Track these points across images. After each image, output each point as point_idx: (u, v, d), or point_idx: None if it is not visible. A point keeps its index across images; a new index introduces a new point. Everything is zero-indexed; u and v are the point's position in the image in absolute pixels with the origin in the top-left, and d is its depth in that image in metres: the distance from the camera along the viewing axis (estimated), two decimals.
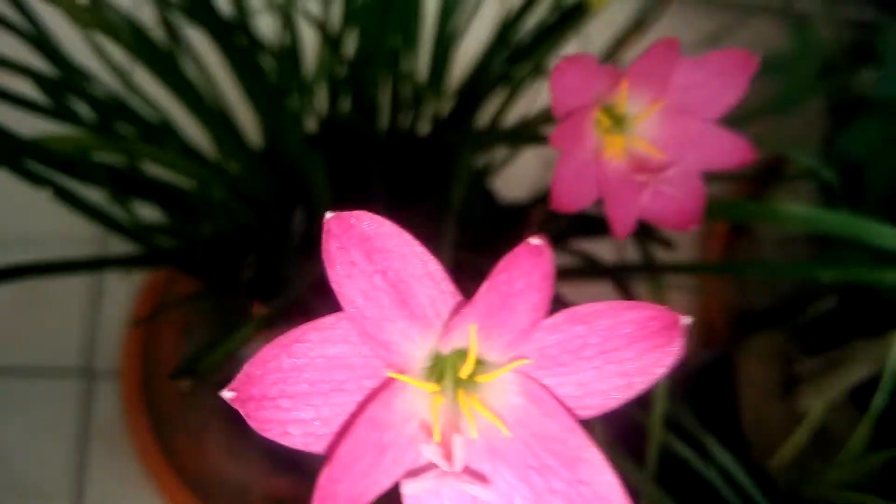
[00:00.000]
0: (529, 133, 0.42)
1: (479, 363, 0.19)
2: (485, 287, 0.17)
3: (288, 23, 0.50)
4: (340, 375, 0.17)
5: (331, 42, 0.50)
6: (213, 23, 0.43)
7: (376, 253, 0.16)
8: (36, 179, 0.40)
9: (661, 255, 0.54)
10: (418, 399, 0.18)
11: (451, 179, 0.41)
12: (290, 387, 0.16)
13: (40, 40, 0.46)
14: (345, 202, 0.57)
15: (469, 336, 0.18)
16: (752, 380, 0.73)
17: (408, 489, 0.17)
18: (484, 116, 0.58)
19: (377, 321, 0.17)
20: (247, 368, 0.16)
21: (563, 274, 0.52)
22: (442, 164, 0.58)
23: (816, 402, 0.67)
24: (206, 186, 0.51)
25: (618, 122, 0.28)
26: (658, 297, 0.53)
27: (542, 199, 0.60)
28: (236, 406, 0.16)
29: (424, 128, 0.60)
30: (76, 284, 0.79)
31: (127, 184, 0.43)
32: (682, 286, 0.95)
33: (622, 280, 0.49)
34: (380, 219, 0.16)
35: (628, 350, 0.17)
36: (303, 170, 0.49)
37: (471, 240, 0.56)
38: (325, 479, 0.16)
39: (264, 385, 0.16)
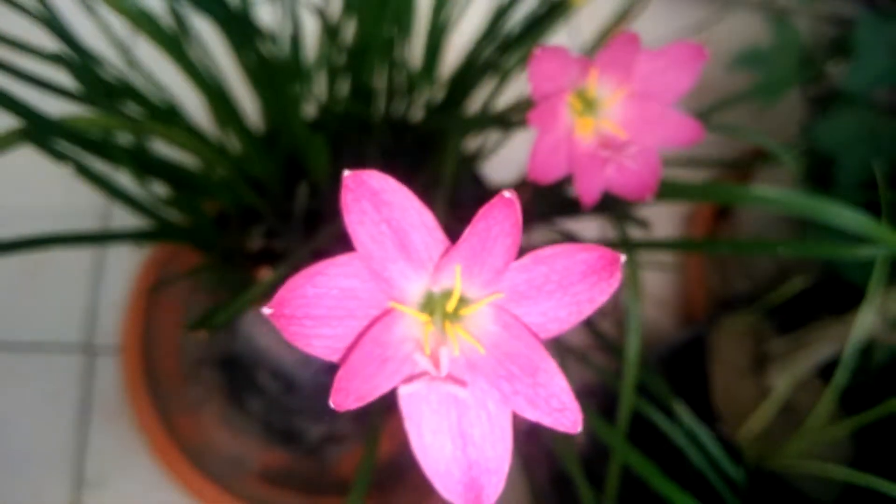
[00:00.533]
0: (515, 118, 0.46)
1: (462, 299, 0.23)
2: (467, 233, 0.20)
3: (290, 12, 0.54)
4: (352, 304, 0.21)
5: (330, 30, 0.53)
6: (220, 12, 0.47)
7: (383, 205, 0.20)
8: (59, 156, 0.44)
9: (644, 235, 0.58)
10: (413, 326, 0.22)
11: (442, 160, 0.45)
12: (312, 310, 0.20)
13: (55, 25, 0.49)
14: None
15: (455, 277, 0.22)
16: (725, 357, 0.77)
17: (403, 390, 0.21)
18: (475, 103, 0.61)
19: (382, 261, 0.21)
20: (281, 292, 0.20)
21: None
22: (434, 147, 0.62)
23: (783, 379, 0.72)
24: (212, 165, 0.55)
25: (588, 105, 0.32)
26: (633, 274, 0.57)
27: (527, 180, 0.64)
28: (273, 320, 0.20)
29: (417, 114, 0.64)
30: (77, 262, 0.82)
31: (142, 162, 0.47)
32: (665, 269, 0.99)
33: None
34: (387, 177, 0.20)
35: (581, 284, 0.21)
36: (304, 151, 0.52)
37: (460, 218, 0.59)
38: (339, 378, 0.20)
39: (293, 307, 0.20)
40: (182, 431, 0.78)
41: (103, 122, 0.44)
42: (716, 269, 1.03)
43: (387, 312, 0.21)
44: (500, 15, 0.55)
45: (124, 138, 0.51)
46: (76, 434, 0.75)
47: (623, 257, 0.20)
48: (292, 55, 0.51)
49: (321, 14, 0.52)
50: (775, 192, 0.47)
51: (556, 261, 0.21)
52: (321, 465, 0.82)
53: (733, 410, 0.73)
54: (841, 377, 0.60)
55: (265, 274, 0.40)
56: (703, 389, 0.75)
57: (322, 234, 0.46)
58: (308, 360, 0.70)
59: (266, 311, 0.19)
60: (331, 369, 0.68)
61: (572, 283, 0.21)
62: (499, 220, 0.20)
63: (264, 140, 0.59)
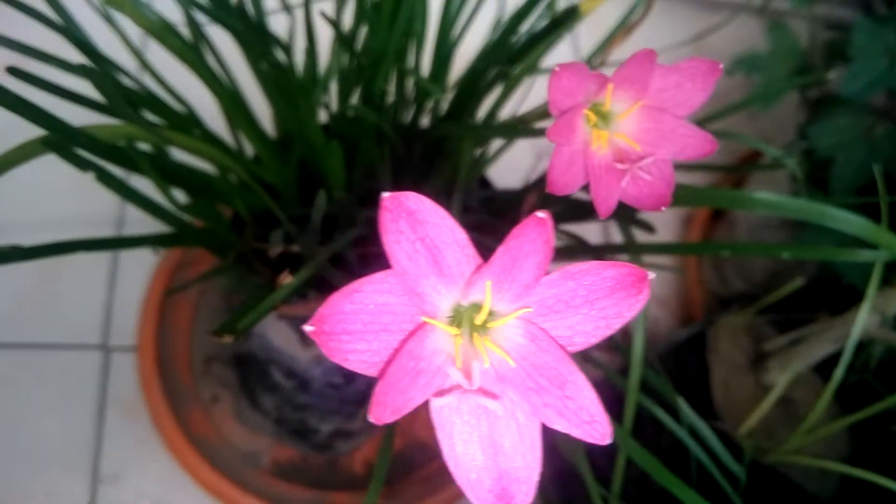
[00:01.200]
0: (524, 127, 0.47)
1: (491, 312, 0.24)
2: (499, 251, 0.22)
3: (306, 22, 0.55)
4: (386, 319, 0.22)
5: (343, 40, 0.54)
6: (237, 23, 0.48)
7: (418, 224, 0.21)
8: (81, 164, 0.45)
9: (645, 238, 0.59)
10: (444, 339, 0.23)
11: (454, 167, 0.46)
12: (349, 325, 0.21)
13: (75, 35, 0.50)
14: (358, 186, 0.62)
15: (484, 291, 0.23)
16: (724, 354, 0.78)
17: (435, 403, 0.22)
18: (480, 111, 0.62)
19: (415, 277, 0.22)
20: (321, 309, 0.21)
21: (555, 253, 0.57)
22: (442, 154, 0.63)
23: (781, 376, 0.73)
24: (228, 171, 0.56)
25: (603, 118, 0.33)
26: None
27: (534, 185, 0.65)
28: (313, 337, 0.21)
29: (425, 121, 0.65)
30: (94, 266, 0.84)
31: (162, 169, 0.48)
32: (665, 270, 1.00)
33: (606, 258, 0.54)
34: (422, 197, 0.21)
35: (608, 299, 0.22)
36: (320, 159, 0.53)
37: (471, 222, 0.61)
38: (378, 393, 0.21)
39: (331, 323, 0.21)
40: (196, 428, 0.79)
41: (125, 131, 0.45)
42: (714, 269, 1.05)
43: (419, 326, 0.23)
44: (508, 28, 0.56)
45: (142, 145, 0.52)
46: (93, 431, 0.77)
47: (651, 274, 0.22)
48: (308, 64, 0.52)
49: (334, 24, 0.54)
50: (780, 197, 0.49)
51: (584, 277, 0.22)
52: (332, 460, 0.83)
53: (732, 406, 0.75)
54: (839, 374, 0.61)
55: (285, 278, 0.41)
56: (704, 386, 0.76)
57: (339, 239, 0.47)
58: (321, 358, 0.72)
59: (308, 328, 0.21)
60: (347, 372, 0.69)
61: (599, 299, 0.22)
62: (531, 239, 0.21)
63: (278, 147, 0.60)
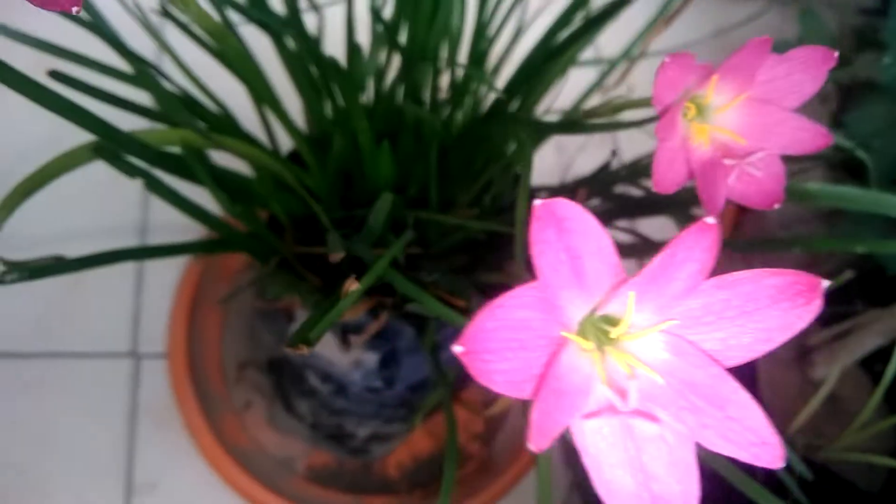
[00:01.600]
0: (609, 122, 0.45)
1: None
2: (653, 262, 0.20)
3: (347, 18, 0.53)
4: (524, 335, 0.20)
5: (387, 34, 0.52)
6: (286, 27, 0.46)
7: (565, 232, 0.20)
8: (131, 171, 0.43)
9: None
10: (580, 355, 0.22)
11: (522, 164, 0.44)
12: (490, 344, 0.20)
13: (113, 37, 0.48)
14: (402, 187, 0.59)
15: (623, 303, 0.21)
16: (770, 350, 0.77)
17: (584, 425, 0.21)
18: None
19: (556, 289, 0.20)
20: (466, 329, 0.19)
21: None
22: (481, 153, 0.61)
23: (830, 371, 0.72)
24: (271, 175, 0.54)
25: (701, 110, 0.32)
26: None
27: (579, 182, 0.63)
28: (461, 358, 0.19)
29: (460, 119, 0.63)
30: (119, 273, 0.82)
31: (214, 175, 0.46)
32: None
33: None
34: (573, 204, 0.20)
35: (769, 310, 0.20)
36: (366, 160, 0.52)
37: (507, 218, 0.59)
38: (534, 420, 0.19)
39: (475, 342, 0.19)
40: (229, 434, 0.78)
41: (179, 137, 0.43)
42: (743, 261, 1.03)
43: (557, 342, 0.21)
44: (555, 30, 0.54)
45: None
46: (125, 440, 0.75)
47: (825, 283, 0.20)
48: (352, 63, 0.50)
49: (377, 15, 0.52)
50: (842, 189, 0.47)
51: (740, 286, 0.20)
52: (366, 464, 0.82)
53: (779, 403, 0.74)
54: (891, 371, 0.60)
55: (352, 285, 0.39)
56: (751, 382, 0.75)
57: (395, 243, 0.45)
58: (360, 362, 0.70)
59: (457, 349, 0.19)
60: (387, 376, 0.67)
61: (759, 310, 0.20)
62: (689, 246, 0.20)
63: (317, 149, 0.58)
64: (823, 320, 0.78)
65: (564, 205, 0.19)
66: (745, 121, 0.31)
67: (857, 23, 0.93)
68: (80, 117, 0.37)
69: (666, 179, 0.29)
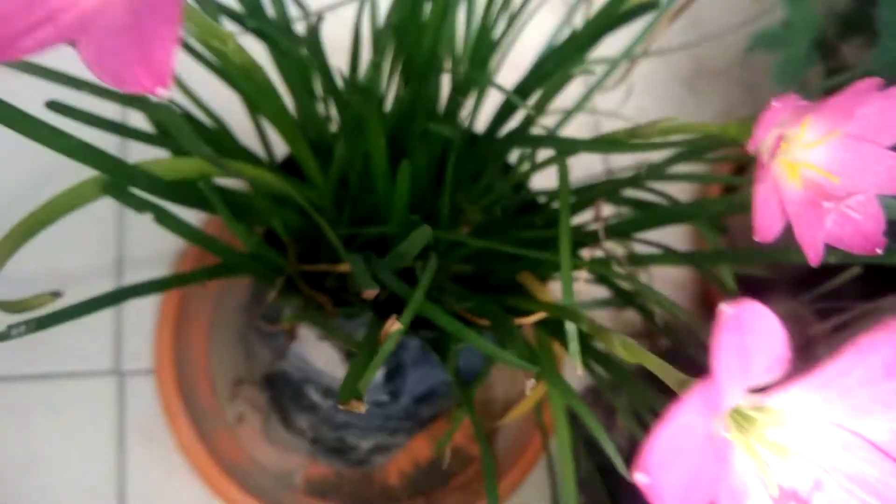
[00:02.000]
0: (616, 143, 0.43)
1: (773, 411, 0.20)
2: (832, 360, 0.18)
3: (355, 34, 0.49)
4: (691, 442, 0.18)
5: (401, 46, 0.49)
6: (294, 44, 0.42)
7: (745, 332, 0.17)
8: (139, 205, 0.39)
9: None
10: (741, 453, 0.20)
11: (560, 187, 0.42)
12: (670, 465, 0.17)
13: None
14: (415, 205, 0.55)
15: (786, 396, 0.19)
16: None
17: None
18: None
19: (721, 387, 0.18)
20: (644, 451, 0.17)
21: (639, 260, 0.54)
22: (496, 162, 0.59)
23: None
24: (263, 190, 0.50)
25: (790, 148, 0.30)
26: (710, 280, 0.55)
27: (592, 189, 0.61)
28: (644, 488, 0.17)
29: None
30: (97, 290, 0.77)
31: (228, 202, 0.42)
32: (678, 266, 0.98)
33: (702, 265, 0.52)
34: (760, 307, 0.17)
35: None
36: (377, 180, 0.49)
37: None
38: None
39: (658, 469, 0.17)
40: (223, 449, 0.75)
41: (188, 167, 0.39)
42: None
43: (716, 443, 0.19)
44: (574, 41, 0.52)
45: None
46: (116, 460, 0.72)
47: None
48: (370, 82, 0.46)
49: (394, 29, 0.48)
50: None
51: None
52: (366, 474, 0.80)
53: None
54: None
55: (393, 325, 0.37)
56: None
57: (424, 274, 0.42)
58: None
59: (641, 479, 0.17)
60: (393, 389, 0.63)
61: None
62: (870, 348, 0.18)
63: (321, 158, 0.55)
64: (819, 314, 0.79)
65: (755, 311, 0.17)
66: (837, 158, 0.29)
67: (843, 9, 0.93)
68: (87, 156, 0.33)
69: (766, 225, 0.27)
